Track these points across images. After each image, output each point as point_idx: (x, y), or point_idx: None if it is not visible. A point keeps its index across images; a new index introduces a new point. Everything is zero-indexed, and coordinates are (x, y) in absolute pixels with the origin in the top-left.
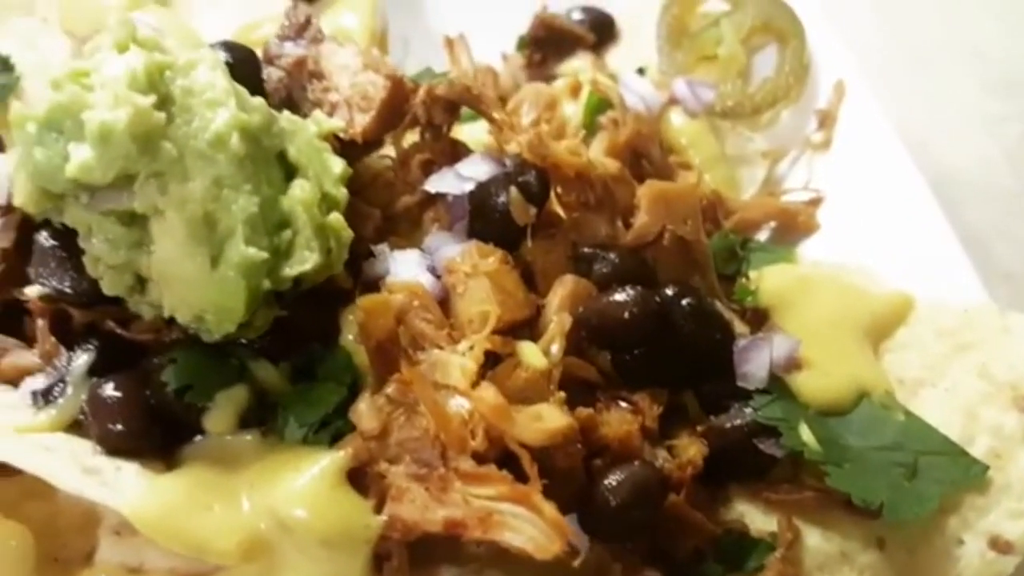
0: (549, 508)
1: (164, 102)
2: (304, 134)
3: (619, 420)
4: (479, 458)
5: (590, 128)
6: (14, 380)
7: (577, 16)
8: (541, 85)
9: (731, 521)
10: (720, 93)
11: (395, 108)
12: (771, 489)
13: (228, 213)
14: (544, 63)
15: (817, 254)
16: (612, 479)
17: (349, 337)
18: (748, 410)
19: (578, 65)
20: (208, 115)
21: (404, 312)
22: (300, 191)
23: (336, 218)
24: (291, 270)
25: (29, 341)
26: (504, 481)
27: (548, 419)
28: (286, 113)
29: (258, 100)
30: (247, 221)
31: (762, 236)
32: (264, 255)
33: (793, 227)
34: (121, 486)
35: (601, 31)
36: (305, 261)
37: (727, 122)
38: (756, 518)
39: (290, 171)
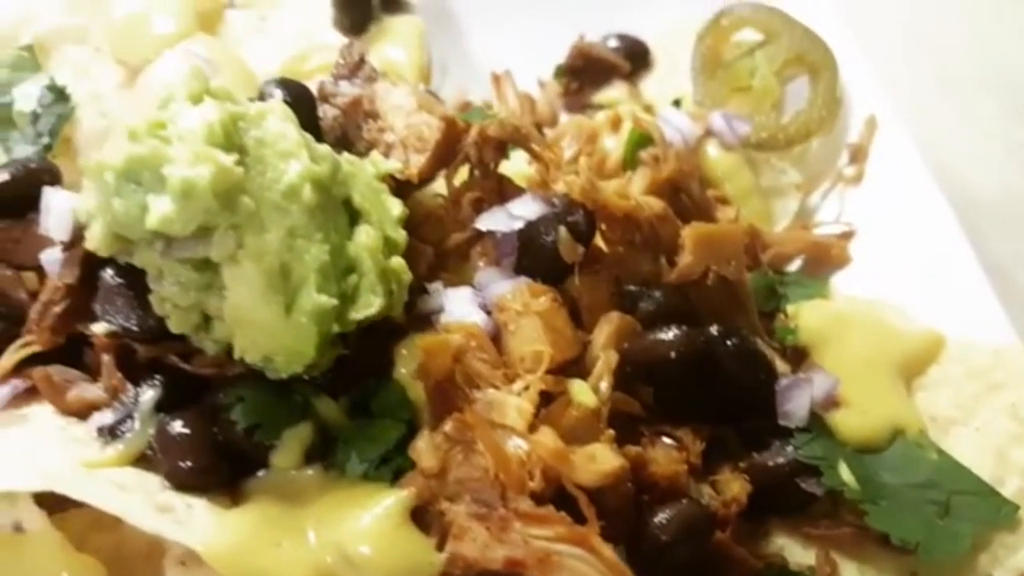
0: (607, 550)
1: (239, 153)
2: (363, 176)
3: (667, 458)
4: (536, 498)
5: (631, 163)
6: (79, 413)
7: (613, 44)
8: (582, 119)
9: (771, 555)
10: (754, 125)
11: (449, 148)
12: (810, 524)
13: (301, 262)
14: (581, 91)
15: (846, 286)
16: (662, 517)
17: (402, 371)
18: (789, 448)
19: (614, 94)
20: (281, 166)
21: (461, 352)
22: (365, 237)
23: (398, 262)
24: (357, 314)
25: (90, 372)
26: (563, 523)
27: (602, 460)
28: (346, 155)
29: (325, 148)
30: (319, 269)
31: (792, 266)
32: (334, 302)
33: (825, 260)
34: (193, 523)
35: (636, 59)
36: (371, 305)
37: (761, 154)
38: (795, 551)
39: (353, 215)
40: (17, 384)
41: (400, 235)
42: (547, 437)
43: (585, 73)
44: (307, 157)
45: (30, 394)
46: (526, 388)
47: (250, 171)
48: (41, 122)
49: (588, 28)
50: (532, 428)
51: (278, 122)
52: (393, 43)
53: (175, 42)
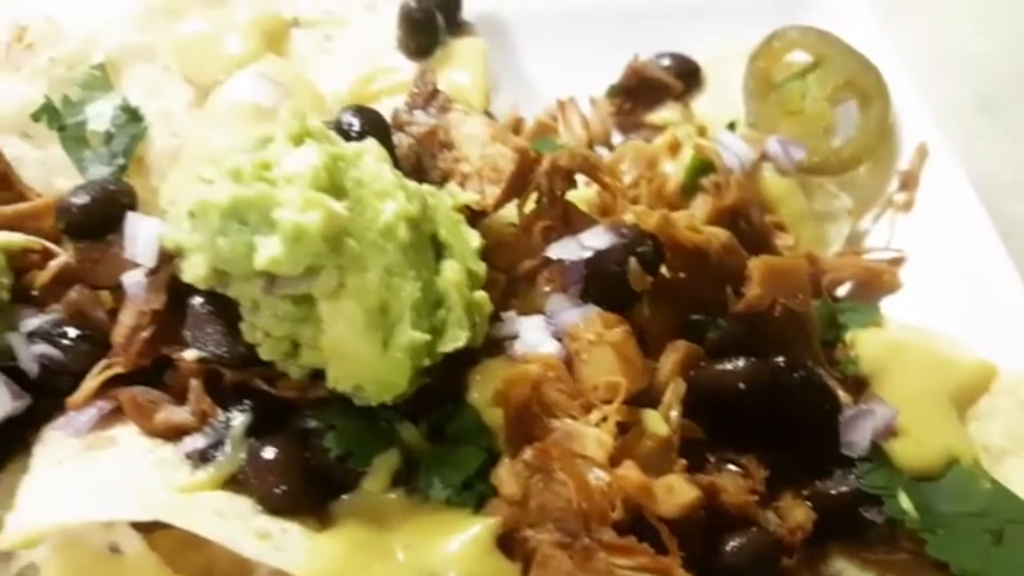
0: None
1: (339, 194)
2: (444, 208)
3: (736, 487)
4: (617, 528)
5: (690, 189)
6: (164, 435)
7: (665, 63)
8: (642, 144)
9: None
10: (807, 149)
11: (522, 179)
12: (867, 549)
13: (398, 299)
14: (633, 111)
15: (894, 312)
16: (733, 544)
17: (475, 395)
18: (851, 476)
19: (668, 115)
20: (378, 206)
21: (540, 382)
22: (452, 272)
23: (482, 296)
24: (445, 347)
25: (168, 392)
26: (646, 553)
27: (680, 492)
28: (425, 187)
29: (413, 185)
30: (413, 306)
31: (840, 290)
32: (428, 337)
33: (876, 285)
34: (290, 548)
35: (687, 79)
36: (458, 339)
37: (815, 179)
38: (853, 574)
39: (438, 249)
40: (103, 406)
41: (480, 267)
42: (631, 471)
43: (639, 93)
44: (403, 197)
45: (114, 415)
46: (604, 419)
47: (351, 212)
48: (115, 142)
49: (636, 47)
50: (613, 459)
51: (374, 162)
52: (458, 67)
53: (244, 62)
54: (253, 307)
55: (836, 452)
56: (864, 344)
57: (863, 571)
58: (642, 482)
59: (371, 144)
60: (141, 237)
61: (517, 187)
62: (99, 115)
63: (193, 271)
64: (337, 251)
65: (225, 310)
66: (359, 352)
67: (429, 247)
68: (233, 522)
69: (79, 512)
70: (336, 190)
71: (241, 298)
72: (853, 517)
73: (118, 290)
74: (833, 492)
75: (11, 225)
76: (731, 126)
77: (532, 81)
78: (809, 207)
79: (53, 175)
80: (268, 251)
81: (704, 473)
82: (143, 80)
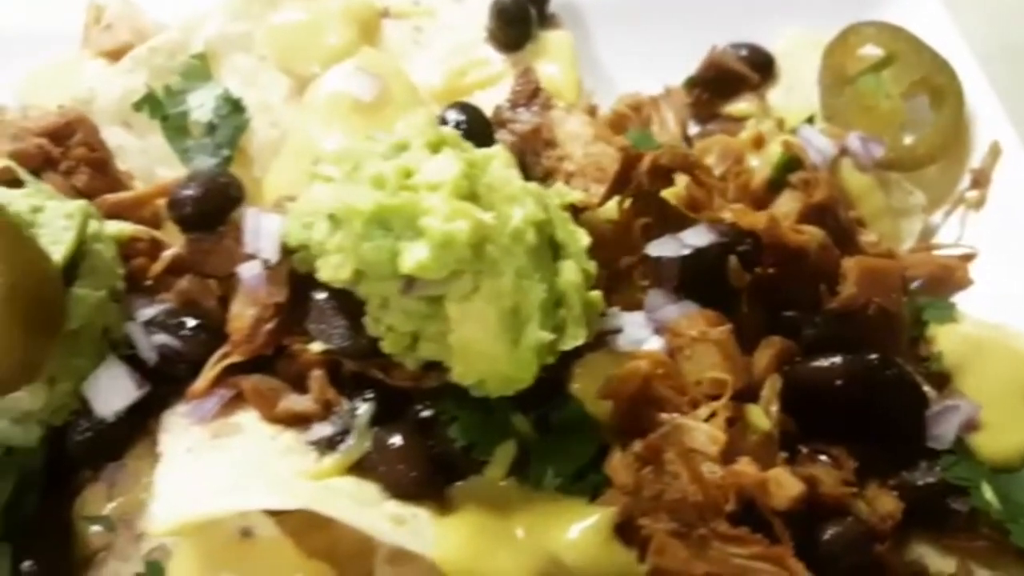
0: (801, 569)
1: (474, 200)
2: (556, 208)
3: (832, 479)
4: (730, 519)
5: (777, 185)
6: (285, 422)
7: (742, 53)
8: (728, 138)
9: (912, 562)
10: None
11: (625, 177)
12: (949, 536)
13: (527, 301)
14: (710, 102)
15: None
16: (831, 533)
17: (576, 386)
18: (936, 468)
19: (745, 107)
20: (507, 211)
21: (650, 378)
22: (570, 273)
23: (596, 295)
24: (565, 345)
25: (284, 381)
26: (760, 543)
27: (788, 486)
28: (534, 186)
29: (534, 187)
30: (540, 307)
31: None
32: (553, 336)
33: (949, 281)
34: (423, 533)
35: (762, 70)
36: (577, 337)
37: (891, 174)
38: (934, 559)
39: (555, 249)
40: (224, 393)
41: (591, 266)
42: (749, 467)
43: (716, 84)
44: (531, 202)
45: (233, 402)
46: (712, 415)
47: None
48: (219, 133)
49: (708, 37)
50: (725, 454)
51: (502, 168)
52: (549, 60)
53: (341, 54)
54: (382, 304)
55: (921, 444)
56: (945, 340)
57: (944, 557)
58: (759, 477)
59: (499, 150)
60: (265, 233)
61: (620, 185)
62: (201, 105)
63: (334, 271)
64: (479, 257)
65: (348, 305)
66: (490, 350)
67: (549, 248)
68: (367, 508)
69: (225, 502)
70: (472, 196)
71: (371, 296)
72: (938, 507)
73: (228, 280)
74: (920, 483)
75: (115, 213)
76: (810, 120)
77: (604, 70)
78: (887, 203)
79: (155, 164)
80: (415, 256)
81: (797, 464)
82: (240, 70)
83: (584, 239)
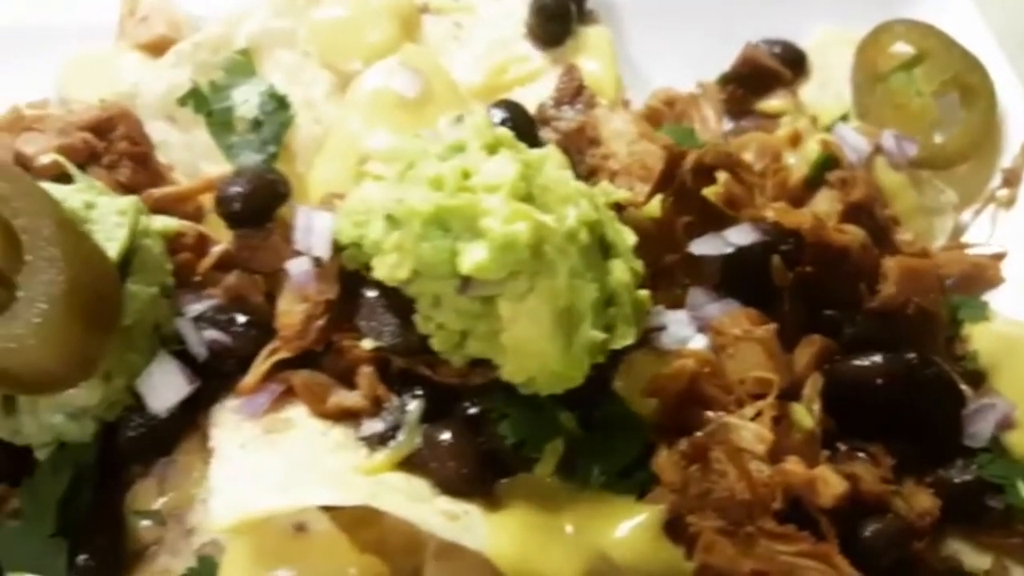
0: (847, 566)
1: (530, 201)
2: (604, 207)
3: (872, 476)
4: (777, 517)
5: (815, 183)
6: (335, 417)
7: (775, 50)
8: (765, 135)
9: (947, 559)
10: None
11: (670, 176)
12: (984, 533)
13: (580, 300)
14: (744, 98)
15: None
16: (872, 529)
17: (620, 384)
18: (972, 466)
19: (778, 104)
20: (561, 211)
21: (696, 377)
22: (620, 272)
23: (644, 294)
24: (615, 344)
25: (332, 376)
26: (806, 541)
27: (833, 484)
28: (584, 185)
29: (584, 187)
30: (592, 306)
31: None
32: (605, 335)
33: (980, 279)
34: (475, 529)
35: (795, 67)
36: (627, 336)
37: (923, 173)
38: (968, 555)
39: (605, 249)
40: (275, 389)
41: (638, 265)
42: (797, 466)
43: (750, 80)
44: (584, 202)
45: (283, 397)
46: (758, 413)
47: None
48: (264, 129)
49: (739, 33)
50: (772, 453)
51: (555, 168)
52: (589, 56)
53: (383, 51)
54: (434, 303)
55: (958, 442)
56: (979, 339)
57: (979, 554)
58: (807, 476)
59: (552, 151)
60: (317, 231)
61: (664, 184)
62: (246, 101)
63: (390, 270)
64: (536, 258)
65: (398, 302)
66: (543, 350)
67: (599, 248)
68: (420, 504)
69: (285, 498)
70: (528, 197)
71: (422, 294)
72: (974, 504)
73: (273, 276)
74: (957, 480)
75: (160, 208)
76: (844, 118)
77: (635, 65)
78: (920, 201)
79: (198, 159)
80: (474, 257)
81: (837, 462)
82: (284, 65)
83: (631, 238)
